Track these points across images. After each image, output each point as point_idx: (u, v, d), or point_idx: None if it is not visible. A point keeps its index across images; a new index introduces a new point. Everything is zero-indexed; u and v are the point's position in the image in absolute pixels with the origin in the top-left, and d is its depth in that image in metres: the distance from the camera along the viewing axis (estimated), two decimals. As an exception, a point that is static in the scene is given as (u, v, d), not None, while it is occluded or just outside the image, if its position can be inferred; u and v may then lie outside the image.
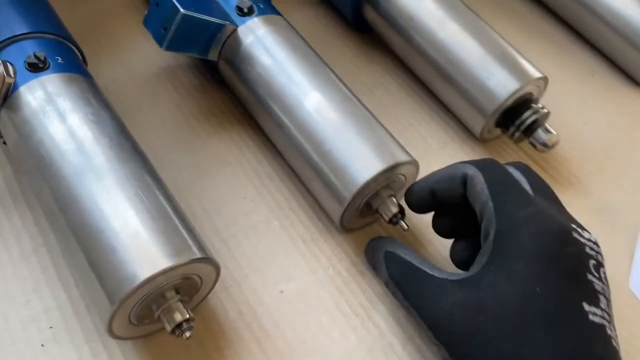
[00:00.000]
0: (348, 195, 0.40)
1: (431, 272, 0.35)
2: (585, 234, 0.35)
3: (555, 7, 0.60)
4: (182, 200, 0.44)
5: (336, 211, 0.42)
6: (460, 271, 0.37)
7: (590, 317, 0.31)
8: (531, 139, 0.47)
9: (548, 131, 0.47)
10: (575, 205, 0.40)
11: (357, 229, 0.44)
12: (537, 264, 0.32)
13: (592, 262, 0.33)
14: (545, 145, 0.47)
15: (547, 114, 0.48)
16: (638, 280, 0.43)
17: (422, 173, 0.48)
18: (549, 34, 0.60)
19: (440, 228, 0.40)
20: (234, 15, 0.47)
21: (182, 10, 0.43)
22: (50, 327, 0.38)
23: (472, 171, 0.37)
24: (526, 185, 0.36)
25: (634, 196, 0.48)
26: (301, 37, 0.48)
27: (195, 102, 0.51)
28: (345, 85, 0.45)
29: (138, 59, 0.54)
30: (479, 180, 0.36)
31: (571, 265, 0.33)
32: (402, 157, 0.41)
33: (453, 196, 0.38)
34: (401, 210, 0.41)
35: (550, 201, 0.36)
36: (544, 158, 0.50)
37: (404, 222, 0.41)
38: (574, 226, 0.34)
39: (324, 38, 0.57)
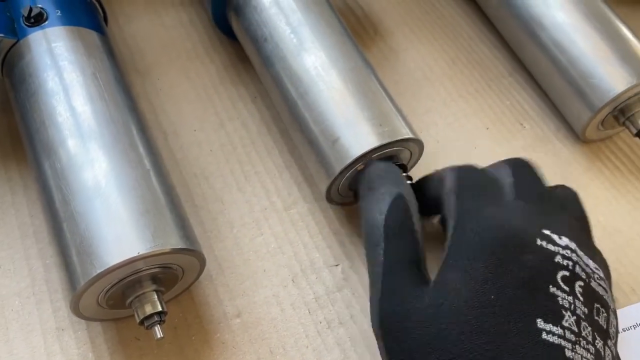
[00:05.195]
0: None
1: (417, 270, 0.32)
2: (563, 241, 0.31)
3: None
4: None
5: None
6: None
7: (544, 335, 0.28)
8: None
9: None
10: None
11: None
12: (493, 269, 0.29)
13: (561, 273, 0.30)
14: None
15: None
16: None
17: (241, 234, 0.40)
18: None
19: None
20: None
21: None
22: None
23: (449, 168, 0.35)
24: (508, 187, 0.34)
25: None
26: None
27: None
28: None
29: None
30: (450, 174, 0.34)
31: (528, 276, 0.29)
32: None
33: (436, 193, 0.35)
34: None
35: (535, 205, 0.33)
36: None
37: None
38: (546, 232, 0.31)
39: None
